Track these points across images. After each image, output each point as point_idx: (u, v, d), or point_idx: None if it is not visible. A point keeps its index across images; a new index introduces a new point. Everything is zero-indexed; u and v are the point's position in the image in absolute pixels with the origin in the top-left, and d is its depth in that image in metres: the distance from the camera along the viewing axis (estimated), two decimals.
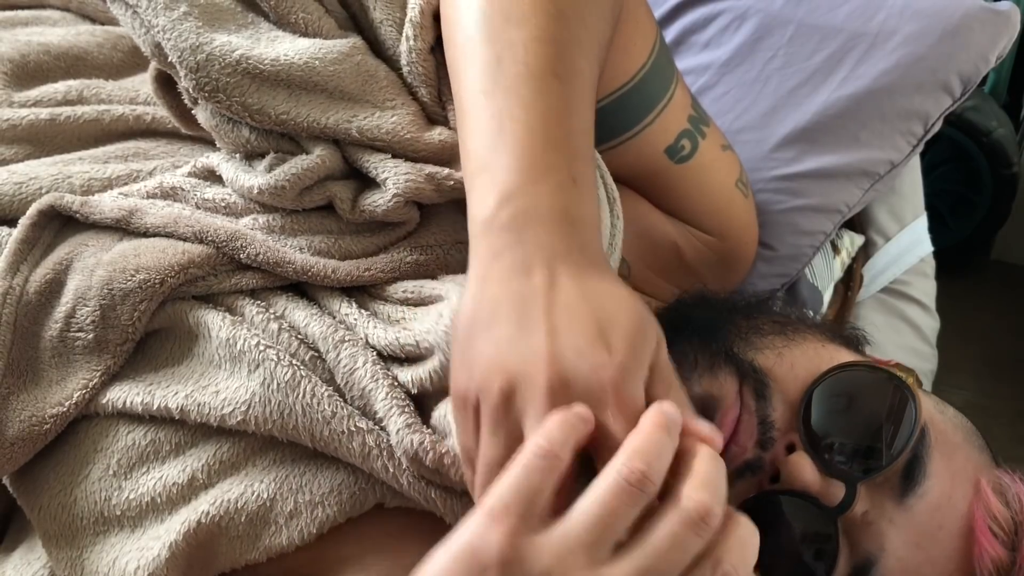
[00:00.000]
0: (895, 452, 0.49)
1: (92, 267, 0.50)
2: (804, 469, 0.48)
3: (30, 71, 0.66)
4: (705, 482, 0.35)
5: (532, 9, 0.45)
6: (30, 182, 0.55)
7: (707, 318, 0.57)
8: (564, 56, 0.44)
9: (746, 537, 0.35)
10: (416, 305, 0.50)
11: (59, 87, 0.64)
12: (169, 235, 0.51)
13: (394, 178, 0.50)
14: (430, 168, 0.51)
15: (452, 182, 0.51)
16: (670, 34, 0.94)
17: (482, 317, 0.38)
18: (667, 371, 0.39)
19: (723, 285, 0.73)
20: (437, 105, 0.54)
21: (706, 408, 0.50)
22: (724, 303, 0.61)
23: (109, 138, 0.62)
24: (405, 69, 0.53)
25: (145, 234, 0.52)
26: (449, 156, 0.52)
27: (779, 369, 0.53)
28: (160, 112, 0.62)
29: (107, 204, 0.52)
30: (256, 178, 0.51)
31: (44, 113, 0.61)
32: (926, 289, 0.98)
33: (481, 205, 0.40)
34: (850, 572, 0.48)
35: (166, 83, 0.55)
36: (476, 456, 0.37)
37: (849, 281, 0.94)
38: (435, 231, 0.53)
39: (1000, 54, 0.85)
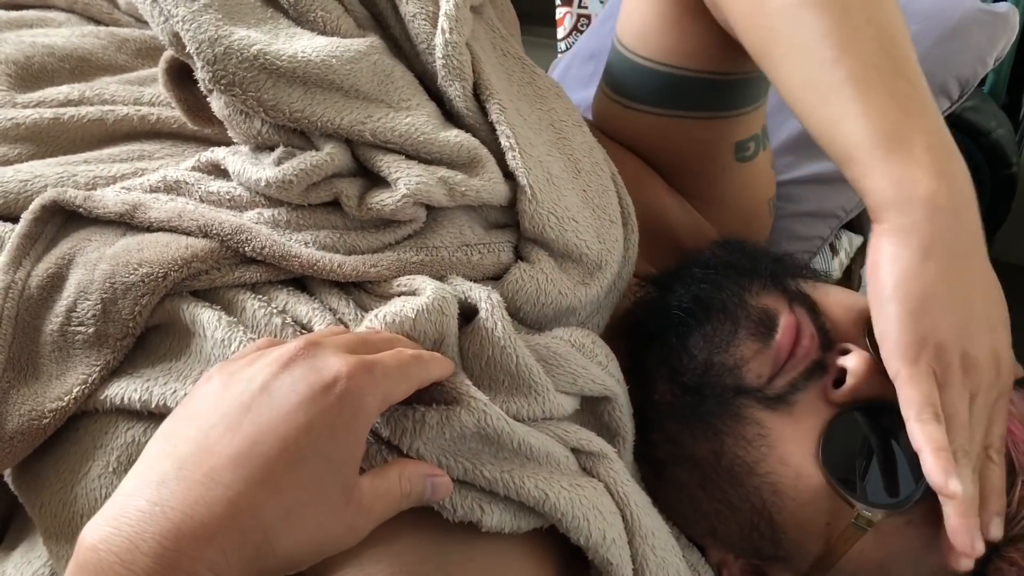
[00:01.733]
0: None
1: (95, 261, 0.50)
2: (862, 359, 0.51)
3: (34, 72, 0.66)
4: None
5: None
6: (35, 180, 0.55)
7: (751, 256, 0.61)
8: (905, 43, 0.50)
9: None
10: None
11: (63, 89, 0.64)
12: (173, 229, 0.51)
13: (406, 179, 0.50)
14: (443, 171, 0.52)
15: (464, 188, 0.51)
16: None
17: (942, 293, 0.45)
18: None
19: None
20: (471, 100, 0.54)
21: (766, 319, 0.53)
22: (760, 249, 0.64)
23: (113, 139, 0.62)
24: (440, 63, 0.54)
25: (149, 228, 0.52)
26: (466, 158, 0.52)
27: (816, 295, 0.56)
28: (165, 113, 0.62)
29: (110, 199, 0.52)
30: (264, 171, 0.51)
31: (48, 112, 0.61)
32: None
33: (910, 180, 0.46)
34: None
35: (176, 75, 0.56)
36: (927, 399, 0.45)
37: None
38: (441, 233, 0.53)
39: (999, 56, 0.85)
